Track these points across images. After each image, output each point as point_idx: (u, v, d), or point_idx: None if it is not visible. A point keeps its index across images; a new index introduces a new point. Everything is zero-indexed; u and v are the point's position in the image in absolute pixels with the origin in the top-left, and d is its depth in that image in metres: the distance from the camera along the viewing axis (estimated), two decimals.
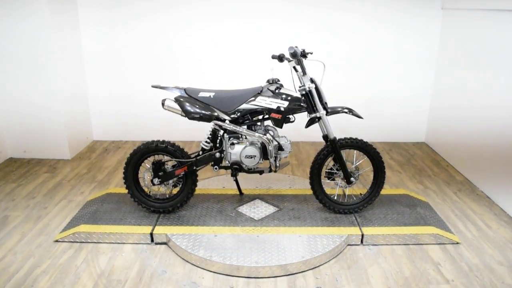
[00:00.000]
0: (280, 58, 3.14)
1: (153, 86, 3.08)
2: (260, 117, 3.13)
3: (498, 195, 3.61)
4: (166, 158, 3.17)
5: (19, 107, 4.39)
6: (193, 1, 4.66)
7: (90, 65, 4.87)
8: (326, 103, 3.07)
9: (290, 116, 3.07)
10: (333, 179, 3.28)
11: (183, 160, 3.10)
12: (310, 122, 3.11)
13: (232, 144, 3.09)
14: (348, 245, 3.02)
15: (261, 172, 3.16)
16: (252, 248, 2.82)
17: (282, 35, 4.76)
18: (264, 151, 3.11)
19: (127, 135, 5.15)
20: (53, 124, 4.43)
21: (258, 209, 3.32)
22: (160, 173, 3.11)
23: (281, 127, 3.05)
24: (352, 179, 3.19)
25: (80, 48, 4.77)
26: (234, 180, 3.42)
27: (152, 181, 3.14)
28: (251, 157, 3.07)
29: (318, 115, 3.05)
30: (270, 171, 3.17)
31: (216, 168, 3.16)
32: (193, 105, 3.01)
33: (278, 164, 3.13)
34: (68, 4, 4.49)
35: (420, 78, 4.96)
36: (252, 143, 3.10)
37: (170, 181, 3.18)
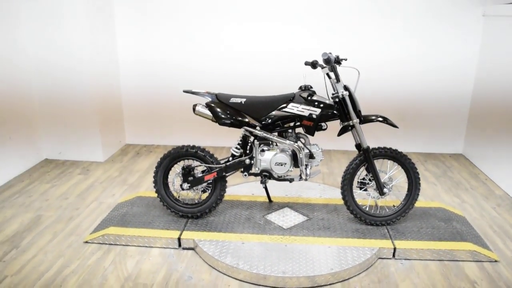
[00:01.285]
0: (313, 64, 3.09)
1: (184, 91, 3.09)
2: (292, 124, 3.08)
3: None
4: (195, 163, 3.17)
5: (55, 110, 4.51)
6: (227, 5, 4.68)
7: (124, 69, 4.97)
8: (360, 111, 2.99)
9: (322, 124, 3.01)
10: (365, 190, 3.18)
11: (213, 165, 3.08)
12: (343, 130, 3.03)
13: (263, 150, 3.05)
14: (380, 258, 2.91)
15: (291, 180, 3.11)
16: (280, 257, 2.76)
17: (316, 42, 4.70)
18: (295, 159, 3.06)
19: (159, 140, 5.21)
20: (87, 127, 4.53)
21: (287, 218, 3.26)
22: (189, 178, 3.11)
23: (312, 134, 2.99)
24: (385, 190, 3.09)
25: (115, 51, 4.87)
26: (264, 188, 3.38)
27: (181, 186, 3.14)
28: (281, 165, 3.02)
29: (351, 123, 2.98)
30: (300, 179, 3.11)
31: (245, 175, 3.13)
32: (224, 110, 2.99)
33: (309, 173, 3.06)
34: (103, 5, 4.60)
35: (459, 88, 4.79)
36: (282, 150, 3.05)
37: (199, 187, 3.17)
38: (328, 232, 3.07)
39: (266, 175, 3.10)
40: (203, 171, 3.15)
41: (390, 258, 2.91)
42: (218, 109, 3.00)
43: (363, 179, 3.16)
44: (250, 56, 4.82)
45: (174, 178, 3.19)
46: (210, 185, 3.19)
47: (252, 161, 3.11)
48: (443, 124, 4.92)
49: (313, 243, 2.93)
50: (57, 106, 4.50)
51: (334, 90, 2.99)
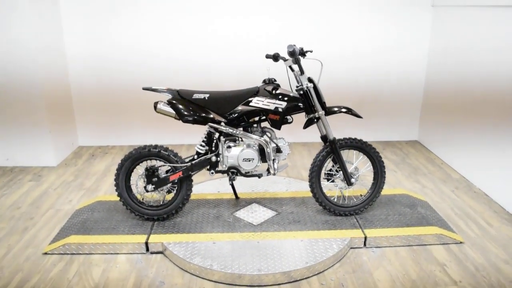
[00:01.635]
0: (275, 57, 3.04)
1: (144, 88, 2.94)
2: (257, 118, 3.02)
3: (496, 192, 3.58)
4: (159, 163, 3.04)
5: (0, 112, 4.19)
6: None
7: (74, 66, 4.69)
8: (324, 102, 2.98)
9: (288, 117, 2.97)
10: (333, 181, 3.19)
11: (178, 165, 2.97)
12: (309, 123, 3.02)
13: (229, 147, 2.98)
14: (351, 248, 2.93)
15: (259, 175, 3.05)
16: (254, 255, 2.71)
17: (276, 33, 4.66)
18: (262, 154, 3.01)
19: (114, 140, 4.98)
20: (36, 128, 4.24)
21: (256, 214, 3.21)
22: (153, 179, 2.98)
23: (279, 128, 2.95)
24: (352, 180, 3.11)
25: (62, 44, 4.57)
26: (230, 184, 3.30)
27: (145, 187, 3.00)
28: (249, 160, 2.96)
29: (317, 115, 2.96)
30: (268, 174, 3.06)
31: (212, 173, 3.04)
32: (187, 107, 2.88)
33: (276, 167, 3.02)
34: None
35: (412, 77, 4.93)
36: (249, 146, 2.99)
37: (164, 187, 3.04)
38: (299, 226, 3.05)
39: (233, 171, 3.03)
40: (167, 171, 3.03)
41: (361, 247, 2.94)
42: (181, 106, 2.88)
43: (330, 170, 3.17)
44: (211, 51, 4.70)
45: (137, 180, 3.04)
46: (175, 185, 3.07)
47: (219, 158, 3.02)
48: (399, 112, 5.05)
49: (285, 238, 2.90)
50: (0, 107, 4.18)
51: (298, 83, 2.96)
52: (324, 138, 3.11)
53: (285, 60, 3.03)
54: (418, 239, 2.97)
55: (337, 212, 3.16)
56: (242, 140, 3.04)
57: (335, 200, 3.21)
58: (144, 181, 3.01)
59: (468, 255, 2.84)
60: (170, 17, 4.57)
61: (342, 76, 4.87)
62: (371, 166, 3.18)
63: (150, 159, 3.03)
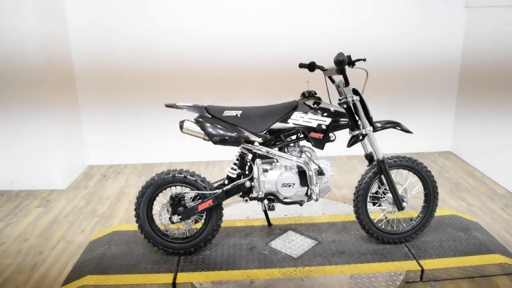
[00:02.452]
0: (311, 66, 2.72)
1: (167, 106, 2.59)
2: (295, 137, 2.68)
3: None
4: (185, 189, 2.69)
5: (2, 127, 3.85)
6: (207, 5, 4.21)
7: (82, 80, 4.35)
8: (371, 117, 2.64)
9: (331, 135, 2.63)
10: (379, 205, 2.84)
11: (207, 192, 2.62)
12: (354, 140, 2.67)
13: (265, 170, 2.63)
14: (407, 283, 2.58)
15: (301, 202, 2.70)
16: None
17: (299, 39, 4.33)
18: (302, 177, 2.66)
19: (126, 158, 4.63)
20: (42, 148, 3.89)
21: (294, 244, 2.86)
22: (180, 209, 2.63)
23: (322, 148, 2.61)
24: (404, 204, 2.75)
25: (67, 40, 4.24)
26: (263, 211, 2.95)
27: (170, 218, 2.65)
28: (289, 186, 2.61)
29: (364, 132, 2.62)
30: (309, 199, 2.71)
31: (246, 200, 2.69)
32: (217, 126, 2.53)
33: (318, 192, 2.67)
34: (55, 11, 3.98)
35: (445, 81, 4.59)
36: (288, 169, 2.64)
37: (192, 218, 2.69)
38: (344, 258, 2.69)
39: (271, 198, 2.67)
40: (194, 199, 2.68)
41: (417, 281, 2.59)
42: (210, 125, 2.53)
43: (376, 192, 2.82)
44: (239, 64, 4.36)
45: (161, 210, 2.69)
46: (203, 214, 2.72)
47: (253, 183, 2.67)
48: (430, 120, 4.70)
49: (332, 274, 2.54)
50: (3, 121, 3.83)
51: (341, 95, 2.63)
52: (370, 157, 2.77)
53: (323, 69, 2.70)
54: (480, 269, 2.61)
55: (385, 239, 2.81)
56: (278, 162, 2.69)
57: (383, 226, 2.85)
58: (168, 211, 2.66)
59: None
60: (186, 32, 4.25)
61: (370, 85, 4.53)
62: (421, 187, 2.83)
63: (175, 186, 2.68)
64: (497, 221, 3.26)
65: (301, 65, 2.91)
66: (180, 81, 4.39)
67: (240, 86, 4.43)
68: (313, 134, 2.56)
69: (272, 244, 2.86)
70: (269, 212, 3.08)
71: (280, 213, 3.26)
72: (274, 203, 2.70)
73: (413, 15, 4.35)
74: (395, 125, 2.70)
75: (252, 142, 2.60)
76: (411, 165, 2.74)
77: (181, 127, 2.57)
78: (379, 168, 2.70)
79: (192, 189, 2.66)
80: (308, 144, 2.66)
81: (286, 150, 2.71)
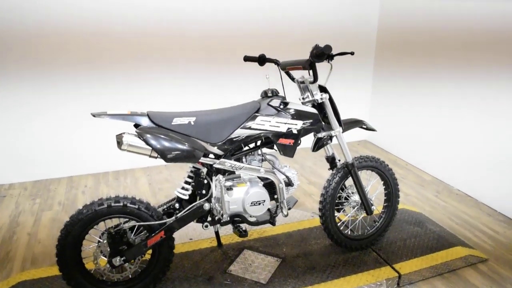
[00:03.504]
0: (261, 60, 2.34)
1: (94, 115, 1.94)
2: (253, 144, 2.27)
3: (476, 191, 3.41)
4: (123, 221, 2.09)
5: None
6: None
7: None
8: (340, 117, 2.36)
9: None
10: (343, 210, 2.60)
11: (155, 222, 2.06)
12: (321, 144, 2.36)
13: (229, 188, 2.16)
14: None
15: (272, 221, 2.30)
16: None
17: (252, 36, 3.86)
18: (269, 191, 2.27)
19: (10, 176, 3.65)
20: None
21: (256, 266, 2.46)
22: (122, 247, 2.02)
23: (292, 155, 2.24)
24: (373, 207, 2.55)
25: None
26: (216, 232, 2.50)
27: (110, 262, 2.03)
28: (259, 203, 2.19)
29: (333, 134, 2.32)
30: (275, 216, 2.33)
31: (206, 226, 2.20)
32: (167, 138, 1.98)
33: (288, 206, 2.31)
34: None
35: (360, 70, 4.58)
36: (254, 183, 2.22)
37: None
38: (318, 275, 2.39)
39: (238, 220, 2.22)
40: (136, 231, 2.10)
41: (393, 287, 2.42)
42: (158, 138, 1.97)
43: (339, 197, 2.58)
44: (175, 61, 3.69)
45: (96, 253, 2.05)
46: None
47: (212, 205, 2.19)
48: (347, 108, 4.68)
49: None
50: None
51: (303, 93, 2.28)
52: (331, 159, 2.50)
53: (277, 63, 2.33)
54: (448, 265, 2.56)
55: (353, 246, 2.59)
56: (235, 175, 2.25)
57: (348, 232, 2.63)
58: (106, 252, 2.04)
59: (501, 274, 2.51)
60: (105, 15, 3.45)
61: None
62: (383, 187, 2.68)
63: (110, 218, 2.06)
64: (437, 210, 3.30)
65: (247, 58, 2.50)
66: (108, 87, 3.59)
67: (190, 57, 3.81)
68: (282, 141, 2.17)
69: (232, 270, 2.42)
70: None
71: (225, 229, 2.83)
72: (242, 227, 2.26)
73: None
74: (360, 124, 2.47)
75: (215, 156, 2.12)
76: (375, 165, 2.55)
77: (119, 143, 1.96)
78: (347, 172, 2.44)
79: (135, 220, 2.07)
80: (270, 151, 2.27)
81: (244, 160, 2.28)
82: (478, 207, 3.33)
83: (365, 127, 2.48)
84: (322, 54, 1.97)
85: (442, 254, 2.61)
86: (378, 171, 2.59)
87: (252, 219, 2.25)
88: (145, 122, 2.00)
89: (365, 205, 2.52)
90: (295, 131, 2.17)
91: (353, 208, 2.59)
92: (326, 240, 2.73)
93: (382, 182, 2.65)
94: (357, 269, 2.45)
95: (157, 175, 3.83)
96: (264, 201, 2.20)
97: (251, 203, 2.17)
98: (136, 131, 1.95)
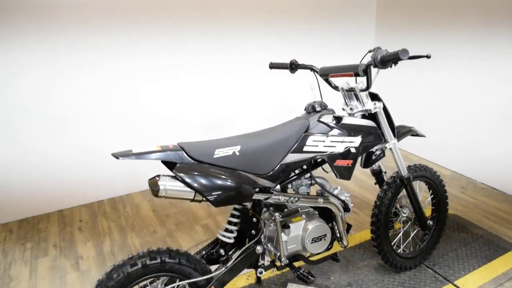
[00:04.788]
0: (293, 66, 2.02)
1: (117, 157, 1.54)
2: (298, 169, 1.95)
3: (504, 184, 3.26)
4: (164, 280, 1.73)
5: None
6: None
7: None
8: (395, 127, 2.07)
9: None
10: (392, 226, 2.33)
11: (202, 277, 1.71)
12: (375, 158, 2.07)
13: (286, 226, 1.83)
14: None
15: (336, 258, 1.99)
16: None
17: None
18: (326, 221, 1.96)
19: None
20: None
21: None
22: None
23: (349, 178, 1.93)
24: (430, 222, 2.30)
25: None
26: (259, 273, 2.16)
27: None
28: (320, 239, 1.88)
29: (389, 147, 2.04)
30: (330, 248, 2.03)
31: (261, 273, 1.86)
32: (212, 176, 1.61)
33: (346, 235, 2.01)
34: None
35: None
36: (310, 216, 1.90)
37: None
38: None
39: (297, 260, 1.90)
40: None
41: None
42: (202, 177, 1.60)
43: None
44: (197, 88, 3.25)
45: None
46: None
47: (266, 247, 1.85)
48: None
49: None
50: None
51: (349, 103, 1.98)
52: (377, 173, 2.23)
53: (314, 70, 2.01)
54: (507, 274, 2.36)
55: (408, 266, 2.34)
56: (287, 209, 1.93)
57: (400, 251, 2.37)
58: None
59: None
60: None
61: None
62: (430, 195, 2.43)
63: (146, 280, 1.68)
64: (469, 208, 3.11)
65: (274, 66, 2.17)
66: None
67: None
68: (339, 162, 1.86)
69: None
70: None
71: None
72: (304, 270, 1.93)
73: None
74: (411, 132, 2.20)
75: (265, 189, 1.78)
76: (425, 174, 2.29)
77: (154, 190, 1.57)
78: (400, 186, 2.17)
79: (177, 278, 1.71)
80: (317, 172, 1.97)
81: (290, 186, 1.96)
82: (508, 201, 3.17)
83: (415, 134, 2.21)
84: (392, 60, 1.65)
85: (499, 263, 2.41)
86: (426, 180, 2.33)
87: (311, 256, 1.93)
88: (182, 159, 1.62)
89: (421, 220, 2.26)
90: (353, 150, 1.86)
91: (404, 223, 2.33)
92: (373, 260, 2.47)
93: (430, 191, 2.40)
94: None
95: (159, 200, 3.43)
96: (326, 235, 1.88)
97: (312, 240, 1.85)
98: (174, 172, 1.57)
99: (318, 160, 1.95)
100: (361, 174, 3.74)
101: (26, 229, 3.10)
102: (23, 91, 2.97)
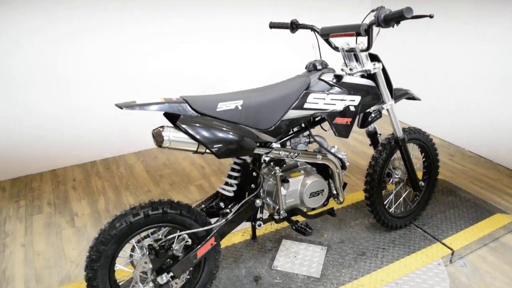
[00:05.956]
0: (294, 26, 2.02)
1: (121, 107, 1.54)
2: (297, 126, 1.98)
3: (491, 153, 3.34)
4: (164, 231, 1.77)
5: None
6: None
7: None
8: (392, 88, 2.10)
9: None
10: (385, 187, 2.40)
11: (202, 228, 1.75)
12: (371, 119, 2.11)
13: (285, 180, 1.87)
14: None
15: (332, 212, 2.05)
16: None
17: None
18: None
19: None
20: None
21: (302, 258, 2.23)
22: (167, 262, 1.70)
23: (347, 136, 1.97)
24: (421, 183, 2.37)
25: None
26: (252, 224, 2.22)
27: (155, 280, 1.70)
28: (318, 194, 1.93)
29: (386, 107, 2.07)
30: (326, 204, 2.09)
31: (259, 225, 1.91)
32: (216, 128, 1.63)
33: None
34: None
35: None
36: (308, 171, 1.94)
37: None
38: (371, 261, 2.21)
39: (295, 214, 1.95)
40: (169, 240, 1.77)
41: (446, 265, 2.28)
42: (205, 129, 1.61)
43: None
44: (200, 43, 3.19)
45: (135, 272, 1.71)
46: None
47: (265, 201, 1.90)
48: None
49: (375, 285, 2.03)
50: None
51: (349, 63, 1.99)
52: (373, 134, 2.27)
53: (315, 30, 2.01)
54: (492, 235, 2.46)
55: (398, 225, 2.42)
56: (285, 164, 1.97)
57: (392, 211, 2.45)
58: (151, 271, 1.71)
59: None
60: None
61: None
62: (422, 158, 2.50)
63: (148, 229, 1.72)
64: (456, 174, 3.20)
65: (274, 25, 2.16)
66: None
67: None
68: (338, 120, 1.89)
69: (278, 266, 2.17)
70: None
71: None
72: (301, 223, 1.98)
73: None
74: (407, 94, 2.24)
75: (266, 144, 1.80)
76: (419, 137, 2.35)
77: (158, 141, 1.58)
78: (394, 147, 2.22)
79: (177, 229, 1.75)
80: (315, 131, 2.00)
81: (288, 144, 1.99)
82: (495, 168, 3.27)
83: (412, 97, 2.25)
84: (396, 18, 1.66)
85: (485, 224, 2.50)
86: (420, 143, 2.39)
87: (308, 211, 1.98)
88: (184, 111, 1.63)
89: (413, 181, 2.33)
90: (352, 108, 1.89)
91: (397, 184, 2.40)
92: (365, 219, 2.54)
93: (423, 154, 2.46)
94: (408, 250, 2.29)
95: (153, 160, 3.44)
96: (323, 190, 1.94)
97: (310, 194, 1.90)
98: (177, 123, 1.58)
99: (317, 118, 1.98)
100: (353, 140, 3.80)
101: (19, 188, 3.09)
102: (28, 52, 2.92)
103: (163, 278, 1.69)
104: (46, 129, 3.18)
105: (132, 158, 3.48)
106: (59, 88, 3.10)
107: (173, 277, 1.71)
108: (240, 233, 2.42)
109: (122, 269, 1.84)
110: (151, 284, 1.72)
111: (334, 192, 2.05)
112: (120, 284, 1.75)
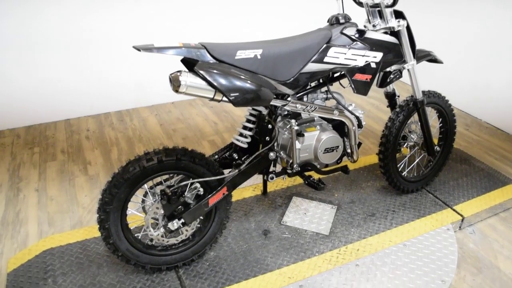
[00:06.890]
0: None
1: (139, 49, 1.51)
2: (317, 81, 1.94)
3: (508, 125, 3.29)
4: (164, 178, 1.78)
5: None
6: None
7: None
8: (416, 47, 2.04)
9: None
10: (400, 150, 2.37)
11: (215, 178, 1.75)
12: (391, 78, 2.06)
13: (300, 134, 1.85)
14: None
15: (346, 170, 2.04)
16: (374, 285, 1.82)
17: None
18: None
19: (0, 122, 3.18)
20: None
21: (312, 215, 2.25)
22: (179, 209, 1.72)
23: (366, 93, 1.93)
24: (436, 147, 2.34)
25: None
26: (265, 179, 2.22)
27: (166, 226, 1.73)
28: (333, 150, 1.92)
29: (407, 67, 2.02)
30: (340, 162, 2.07)
31: (272, 178, 1.91)
32: (234, 76, 1.60)
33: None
34: None
35: None
36: (324, 127, 1.92)
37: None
38: (381, 222, 2.21)
39: (308, 169, 1.94)
40: (183, 188, 1.78)
41: (455, 231, 2.28)
42: (223, 75, 1.58)
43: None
44: None
45: (147, 218, 1.73)
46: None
47: (279, 154, 1.89)
48: None
49: (382, 247, 2.04)
50: None
51: (372, 19, 1.93)
52: (391, 96, 2.23)
53: None
54: (503, 205, 2.44)
55: (410, 188, 2.41)
56: (301, 118, 1.95)
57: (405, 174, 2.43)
58: (162, 216, 1.73)
59: None
60: None
61: None
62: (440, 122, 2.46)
63: (161, 175, 1.72)
64: (472, 144, 3.15)
65: None
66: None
67: None
68: (358, 76, 1.85)
69: (287, 221, 2.19)
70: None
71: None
72: (314, 178, 1.98)
73: None
74: (429, 56, 2.17)
75: (282, 96, 1.77)
76: (437, 101, 2.30)
77: (175, 85, 1.56)
78: (412, 110, 2.18)
79: (190, 176, 1.75)
80: (333, 87, 1.96)
81: (305, 99, 1.96)
82: (511, 140, 3.21)
83: (434, 59, 2.18)
84: None
85: (497, 194, 2.48)
86: (438, 108, 2.34)
87: (323, 167, 1.98)
88: (203, 56, 1.60)
89: (429, 145, 2.30)
90: (373, 65, 1.84)
91: (411, 148, 2.37)
92: (377, 182, 2.54)
93: (440, 119, 2.42)
94: (419, 214, 2.29)
95: (166, 114, 3.44)
96: (338, 147, 1.92)
97: (325, 150, 1.89)
98: (195, 69, 1.56)
99: (336, 75, 1.94)
100: (368, 105, 3.75)
101: (33, 135, 3.12)
102: (52, 15, 2.89)
103: (174, 224, 1.71)
104: (60, 79, 3.17)
105: (146, 112, 3.48)
106: (76, 42, 3.08)
107: (183, 224, 1.73)
108: (251, 188, 2.43)
109: (135, 213, 1.86)
110: (161, 229, 1.75)
111: (349, 150, 2.03)
112: (131, 228, 1.78)
